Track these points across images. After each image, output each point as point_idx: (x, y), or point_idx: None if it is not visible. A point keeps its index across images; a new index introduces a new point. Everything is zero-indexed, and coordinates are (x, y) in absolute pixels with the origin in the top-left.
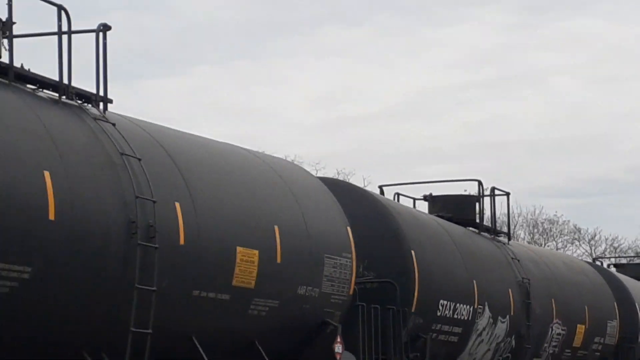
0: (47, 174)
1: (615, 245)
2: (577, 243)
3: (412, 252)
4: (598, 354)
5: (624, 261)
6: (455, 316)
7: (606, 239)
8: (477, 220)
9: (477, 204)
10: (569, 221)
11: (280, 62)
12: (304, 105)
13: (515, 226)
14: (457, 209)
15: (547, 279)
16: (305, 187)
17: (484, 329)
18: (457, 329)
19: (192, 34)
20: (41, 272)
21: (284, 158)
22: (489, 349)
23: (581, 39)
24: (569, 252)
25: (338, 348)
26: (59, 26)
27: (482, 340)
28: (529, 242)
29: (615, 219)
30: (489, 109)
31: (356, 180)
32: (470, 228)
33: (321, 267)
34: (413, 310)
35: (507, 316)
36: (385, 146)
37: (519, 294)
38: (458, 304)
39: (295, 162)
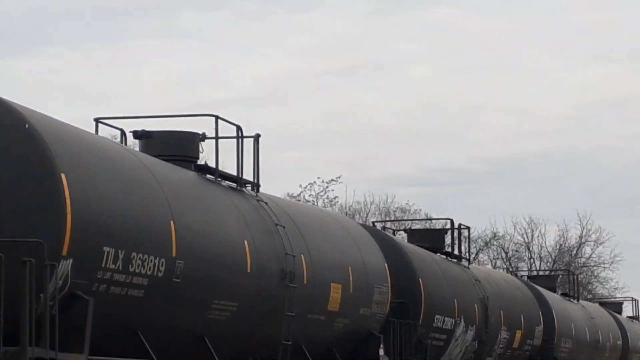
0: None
1: (465, 235)
2: (406, 223)
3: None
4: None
5: (541, 273)
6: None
7: (435, 220)
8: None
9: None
10: (420, 210)
11: (135, 45)
12: (159, 89)
13: (367, 214)
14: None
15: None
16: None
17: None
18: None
19: (47, 14)
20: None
21: None
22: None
23: (438, 28)
24: (334, 211)
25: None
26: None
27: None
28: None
29: (467, 208)
30: (346, 96)
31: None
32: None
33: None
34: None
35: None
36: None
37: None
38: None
39: None
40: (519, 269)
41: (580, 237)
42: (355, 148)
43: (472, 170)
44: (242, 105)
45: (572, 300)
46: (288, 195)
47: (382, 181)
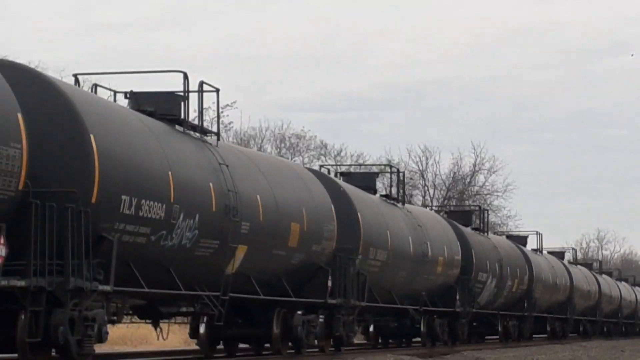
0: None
1: (361, 161)
2: (323, 158)
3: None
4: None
5: (436, 203)
6: (377, 257)
7: (351, 155)
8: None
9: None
10: (315, 136)
11: None
12: (52, 10)
13: (262, 140)
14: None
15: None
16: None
17: (392, 265)
18: (378, 264)
19: None
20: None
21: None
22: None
23: None
24: (315, 167)
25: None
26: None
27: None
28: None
29: (362, 135)
30: (245, 21)
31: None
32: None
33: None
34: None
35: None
36: (134, 55)
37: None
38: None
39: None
40: (413, 196)
41: (474, 165)
42: (251, 73)
43: (368, 97)
44: (137, 28)
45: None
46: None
47: (278, 107)
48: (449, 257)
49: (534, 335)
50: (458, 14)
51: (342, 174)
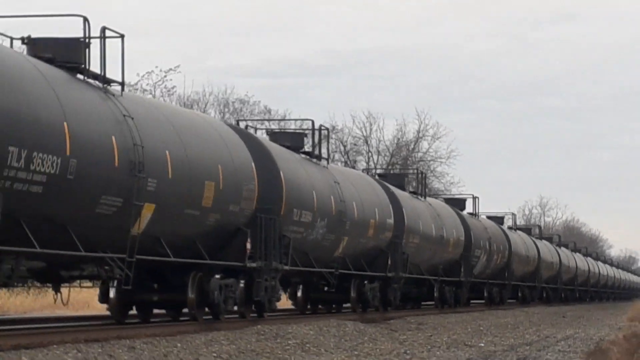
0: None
1: (305, 126)
2: (267, 123)
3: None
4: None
5: (380, 169)
6: (302, 219)
7: (295, 121)
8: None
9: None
10: (259, 102)
11: None
12: None
13: (206, 105)
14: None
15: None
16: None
17: (318, 227)
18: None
19: None
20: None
21: None
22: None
23: None
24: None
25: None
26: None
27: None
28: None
29: (306, 101)
30: None
31: None
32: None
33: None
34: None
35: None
36: (73, 18)
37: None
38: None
39: None
40: (357, 162)
41: (418, 131)
42: (195, 39)
43: (312, 62)
44: None
45: (419, 197)
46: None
47: (222, 72)
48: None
49: (472, 301)
50: None
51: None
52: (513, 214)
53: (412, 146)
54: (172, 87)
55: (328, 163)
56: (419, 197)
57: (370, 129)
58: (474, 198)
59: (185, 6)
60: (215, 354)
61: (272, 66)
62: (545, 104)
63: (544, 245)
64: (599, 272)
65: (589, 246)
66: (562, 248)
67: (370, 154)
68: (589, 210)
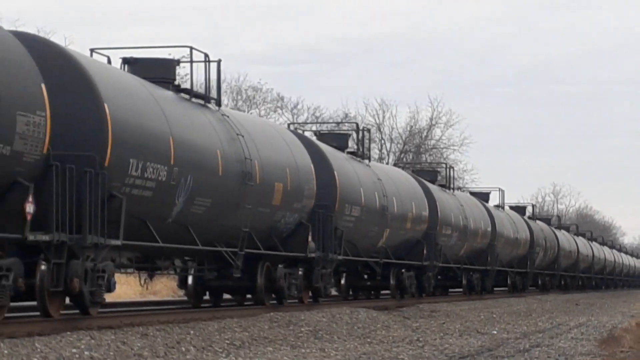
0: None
1: (317, 114)
2: (280, 111)
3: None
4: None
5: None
6: (352, 213)
7: (308, 108)
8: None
9: (190, 71)
10: (272, 89)
11: None
12: None
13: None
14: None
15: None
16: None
17: (365, 220)
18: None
19: None
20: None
21: None
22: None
23: None
24: (271, 120)
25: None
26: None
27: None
28: (232, 109)
29: (319, 88)
30: None
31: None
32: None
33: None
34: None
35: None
36: (87, 4)
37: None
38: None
39: None
40: (370, 150)
41: (431, 119)
42: (207, 25)
43: (325, 50)
44: None
45: (448, 191)
46: None
47: (234, 59)
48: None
49: (496, 289)
50: None
51: (316, 133)
52: (533, 205)
53: (425, 133)
54: (186, 75)
55: (369, 161)
56: (447, 190)
57: (383, 117)
58: (500, 190)
59: None
60: (228, 341)
61: (284, 53)
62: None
63: (562, 234)
64: (615, 260)
65: (603, 233)
66: (580, 237)
67: (383, 142)
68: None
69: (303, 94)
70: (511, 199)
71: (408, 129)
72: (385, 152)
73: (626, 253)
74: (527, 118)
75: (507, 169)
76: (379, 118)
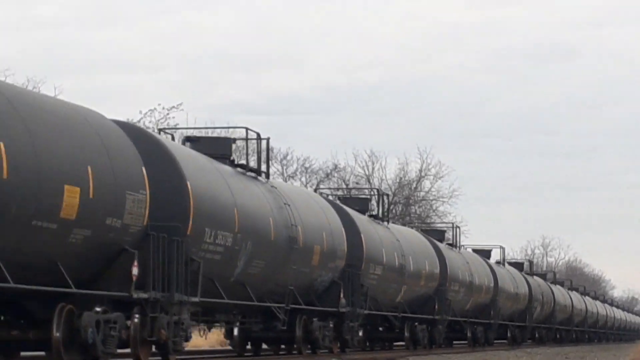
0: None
1: (307, 165)
2: (269, 162)
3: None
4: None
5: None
6: (375, 272)
7: (298, 159)
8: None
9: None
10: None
11: None
12: None
13: None
14: (360, 205)
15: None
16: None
17: (386, 278)
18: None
19: None
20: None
21: None
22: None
23: None
24: (310, 190)
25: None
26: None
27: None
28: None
29: (308, 138)
30: (186, 20)
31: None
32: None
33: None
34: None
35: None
36: (76, 53)
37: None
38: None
39: None
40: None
41: (420, 170)
42: (194, 74)
43: (313, 99)
44: (78, 26)
45: (454, 249)
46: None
47: (223, 108)
48: (430, 271)
49: (496, 341)
50: (400, 16)
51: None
52: (530, 261)
53: (414, 185)
54: (176, 125)
55: (388, 223)
56: (454, 248)
57: (373, 168)
58: (501, 248)
59: (184, 42)
60: None
61: (273, 102)
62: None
63: (557, 289)
64: (607, 314)
65: (592, 286)
66: (573, 292)
67: (372, 193)
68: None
69: (292, 145)
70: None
71: (397, 180)
72: (374, 204)
73: (611, 305)
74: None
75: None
76: (368, 169)
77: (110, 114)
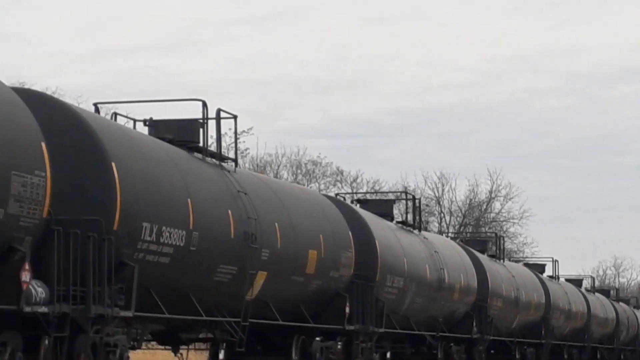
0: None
1: (377, 187)
2: (339, 185)
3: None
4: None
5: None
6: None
7: (368, 182)
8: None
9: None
10: (332, 162)
11: None
12: (65, 34)
13: (278, 167)
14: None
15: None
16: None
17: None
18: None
19: None
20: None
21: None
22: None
23: None
24: (331, 194)
25: (26, 277)
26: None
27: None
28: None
29: (378, 161)
30: (255, 45)
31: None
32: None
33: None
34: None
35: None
36: (147, 80)
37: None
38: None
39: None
40: (429, 223)
41: (490, 192)
42: (265, 99)
43: (383, 122)
44: (150, 53)
45: (498, 261)
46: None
47: (293, 133)
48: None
49: None
50: (470, 38)
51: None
52: (591, 277)
53: (484, 207)
54: (246, 149)
55: (419, 231)
56: (498, 260)
57: (443, 190)
58: (554, 261)
59: (253, 66)
60: None
61: (342, 126)
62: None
63: (621, 307)
64: None
65: None
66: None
67: (442, 215)
68: None
69: (362, 167)
70: (571, 271)
71: (467, 202)
72: (445, 226)
73: None
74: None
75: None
76: (438, 191)
77: None
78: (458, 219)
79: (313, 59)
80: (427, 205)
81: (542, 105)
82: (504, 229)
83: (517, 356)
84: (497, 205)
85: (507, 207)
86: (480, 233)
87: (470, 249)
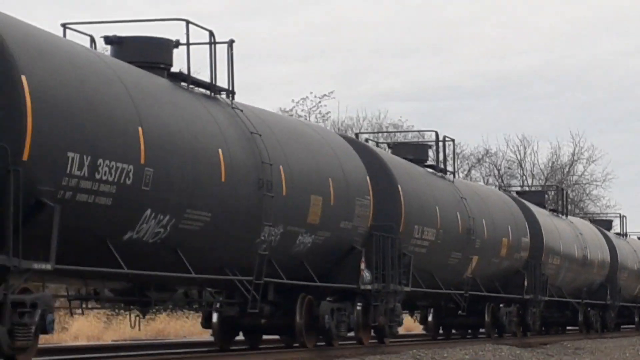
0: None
1: (458, 151)
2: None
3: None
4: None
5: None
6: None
7: (419, 132)
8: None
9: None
10: (413, 126)
11: None
12: None
13: (359, 130)
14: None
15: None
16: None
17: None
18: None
19: None
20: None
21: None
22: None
23: None
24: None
25: (362, 265)
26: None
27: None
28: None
29: (459, 124)
30: (334, 9)
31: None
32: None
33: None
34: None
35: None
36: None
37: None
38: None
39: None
40: (511, 186)
41: (573, 154)
42: (347, 63)
43: (465, 86)
44: (224, 16)
45: (560, 216)
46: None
47: (374, 97)
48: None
49: (624, 327)
50: (552, 1)
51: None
52: None
53: (567, 169)
54: (327, 113)
55: (454, 177)
56: (560, 215)
57: (524, 153)
58: (621, 217)
59: (334, 30)
60: None
61: (424, 90)
62: None
63: None
64: None
65: None
66: None
67: (524, 178)
68: None
69: (443, 131)
70: None
71: (550, 164)
72: (527, 189)
73: None
74: None
75: None
76: (520, 154)
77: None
78: (540, 181)
79: (393, 23)
80: (509, 168)
81: (627, 67)
82: (587, 191)
83: (580, 318)
84: (579, 167)
85: (590, 170)
86: (539, 186)
87: (524, 201)
